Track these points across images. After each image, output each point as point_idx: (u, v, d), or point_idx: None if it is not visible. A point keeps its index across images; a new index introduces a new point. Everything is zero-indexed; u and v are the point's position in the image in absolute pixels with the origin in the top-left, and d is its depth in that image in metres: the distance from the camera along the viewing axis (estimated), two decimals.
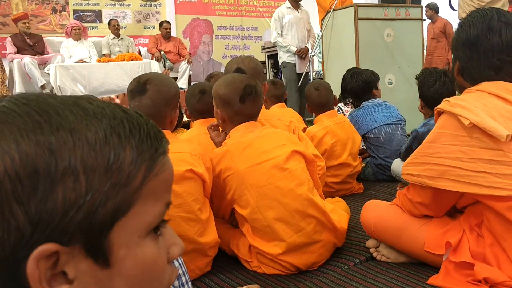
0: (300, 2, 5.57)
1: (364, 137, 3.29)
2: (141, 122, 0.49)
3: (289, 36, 5.56)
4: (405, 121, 3.38)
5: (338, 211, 2.01)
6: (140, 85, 1.78)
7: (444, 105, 1.54)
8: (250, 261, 1.90)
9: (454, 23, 7.70)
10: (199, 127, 2.49)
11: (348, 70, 3.60)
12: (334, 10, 5.00)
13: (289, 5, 5.58)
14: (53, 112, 0.44)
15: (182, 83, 6.94)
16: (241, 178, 1.82)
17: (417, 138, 2.66)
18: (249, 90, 1.85)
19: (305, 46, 5.64)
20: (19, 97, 0.46)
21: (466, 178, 1.49)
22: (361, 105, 3.39)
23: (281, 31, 5.57)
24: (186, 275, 1.25)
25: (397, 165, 2.89)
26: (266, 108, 3.20)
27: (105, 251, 0.45)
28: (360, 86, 3.37)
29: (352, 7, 4.74)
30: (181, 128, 3.02)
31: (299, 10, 5.62)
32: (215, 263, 1.94)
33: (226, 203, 1.96)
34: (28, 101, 0.45)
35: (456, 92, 1.72)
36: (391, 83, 4.96)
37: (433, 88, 2.64)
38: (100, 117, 0.46)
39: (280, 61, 5.77)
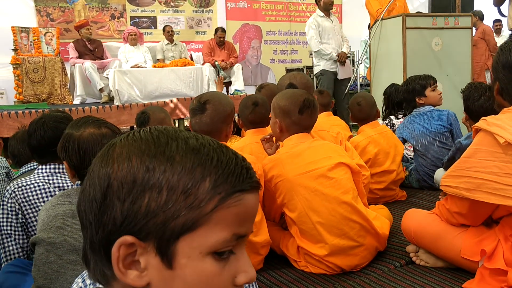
0: (331, 11, 5.75)
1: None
2: (232, 162, 0.60)
3: (327, 43, 5.68)
4: (450, 130, 3.38)
5: (380, 218, 2.16)
6: (201, 104, 2.03)
7: (481, 123, 1.67)
8: (298, 261, 2.09)
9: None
10: (251, 136, 2.70)
11: (390, 86, 3.69)
12: (382, 19, 5.10)
13: (321, 14, 5.73)
14: (164, 142, 0.59)
15: (239, 86, 7.18)
16: (291, 184, 2.01)
17: (460, 150, 2.75)
18: (307, 103, 2.05)
19: (343, 51, 5.75)
20: (157, 128, 0.63)
21: (501, 192, 1.62)
22: (412, 112, 3.48)
23: (320, 39, 5.69)
24: None
25: (439, 174, 2.99)
26: None
27: (170, 255, 0.57)
28: (401, 98, 3.48)
29: (401, 17, 4.83)
30: (235, 136, 3.22)
31: (331, 18, 5.78)
32: (267, 262, 2.14)
33: (276, 207, 2.15)
34: (156, 131, 0.62)
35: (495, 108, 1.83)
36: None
37: (478, 103, 2.73)
38: (196, 152, 0.59)
39: (316, 69, 5.83)
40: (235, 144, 2.90)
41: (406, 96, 3.47)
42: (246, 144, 2.68)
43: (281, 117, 2.12)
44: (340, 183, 1.99)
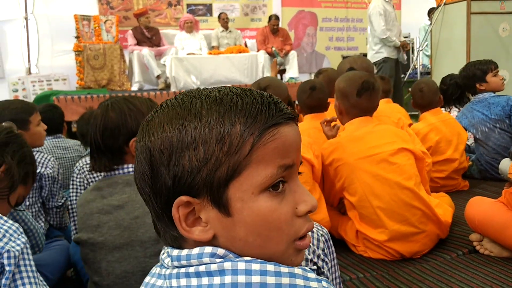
0: None
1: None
2: (258, 100, 0.61)
3: (391, 30, 5.52)
4: (510, 116, 3.23)
5: (443, 206, 2.10)
6: (261, 89, 2.02)
7: None
8: (357, 246, 2.07)
9: None
10: (310, 121, 2.69)
11: (449, 77, 3.56)
12: (445, 4, 4.91)
13: None
14: (188, 102, 0.62)
15: (293, 73, 7.15)
16: (351, 168, 1.98)
17: None
18: (366, 86, 2.01)
19: (404, 40, 5.61)
20: (181, 93, 0.66)
21: None
22: (471, 100, 3.36)
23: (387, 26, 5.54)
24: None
25: (505, 164, 2.87)
26: None
27: (225, 203, 0.60)
28: (458, 87, 3.35)
29: (465, 1, 4.63)
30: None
31: (392, 3, 5.60)
32: None
33: (335, 191, 2.13)
34: (180, 96, 0.65)
35: None
36: (505, 80, 4.77)
37: None
38: (220, 101, 0.61)
39: (378, 56, 5.60)
40: None
41: (466, 82, 3.34)
42: (304, 129, 2.67)
43: (341, 100, 2.10)
44: (402, 169, 1.95)
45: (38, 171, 2.11)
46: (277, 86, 2.10)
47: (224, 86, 0.66)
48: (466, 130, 3.26)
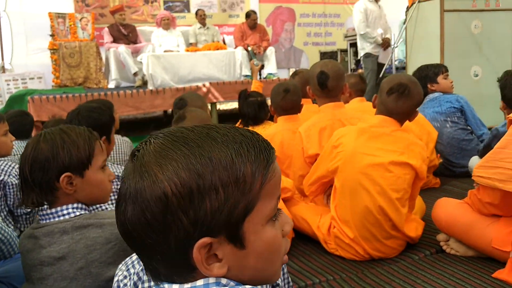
0: None
1: None
2: (254, 140, 0.66)
3: (374, 28, 5.82)
4: (461, 110, 3.35)
5: (416, 220, 2.14)
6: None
7: None
8: (328, 243, 2.13)
9: None
10: (283, 122, 2.73)
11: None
12: (419, 1, 4.97)
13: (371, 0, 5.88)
14: (195, 145, 0.63)
15: (272, 69, 7.18)
16: (351, 158, 2.03)
17: (497, 137, 2.68)
18: (397, 87, 2.04)
19: (387, 37, 5.80)
20: (168, 134, 0.66)
21: None
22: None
23: (367, 23, 5.84)
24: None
25: (474, 162, 2.93)
26: (346, 102, 3.37)
27: (241, 238, 0.63)
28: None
29: None
30: (268, 121, 3.25)
31: (378, 4, 5.96)
32: (296, 245, 2.16)
33: (321, 175, 2.18)
34: (175, 137, 0.65)
35: None
36: (477, 75, 4.87)
37: None
38: (226, 143, 0.63)
39: (361, 52, 6.00)
40: (267, 130, 2.92)
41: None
42: (278, 131, 2.71)
43: (378, 93, 2.15)
44: (396, 180, 1.97)
45: (1, 179, 2.10)
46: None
47: (215, 126, 0.68)
48: None
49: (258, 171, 0.64)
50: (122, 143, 2.93)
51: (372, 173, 1.98)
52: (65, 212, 1.29)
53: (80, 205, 1.31)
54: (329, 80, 2.49)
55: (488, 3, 4.84)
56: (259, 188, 0.64)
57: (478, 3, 4.78)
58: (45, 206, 1.31)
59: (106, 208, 1.84)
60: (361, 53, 6.04)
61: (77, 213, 1.29)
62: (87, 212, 1.32)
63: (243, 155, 0.64)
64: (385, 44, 5.85)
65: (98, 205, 1.74)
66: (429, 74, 3.44)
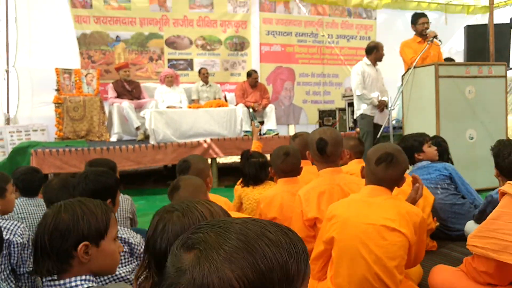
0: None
1: None
2: (296, 241, 0.74)
3: (370, 90, 6.02)
4: (450, 177, 3.44)
5: (412, 287, 2.17)
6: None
7: (507, 187, 1.70)
8: None
9: None
10: (283, 185, 2.80)
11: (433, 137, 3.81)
12: (415, 67, 5.16)
13: (369, 62, 6.15)
14: (256, 245, 0.70)
15: (271, 125, 7.35)
16: (346, 227, 2.08)
17: (492, 203, 2.76)
18: (385, 156, 2.14)
19: (383, 99, 6.03)
20: (215, 226, 0.74)
21: None
22: (410, 170, 3.56)
23: (364, 85, 6.04)
24: None
25: (469, 227, 2.98)
26: (345, 163, 3.45)
27: None
28: None
29: (433, 66, 4.88)
30: (269, 181, 3.30)
31: (376, 68, 6.19)
32: None
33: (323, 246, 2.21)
34: (235, 233, 0.71)
35: None
36: (472, 138, 5.00)
37: (508, 160, 2.73)
38: (279, 244, 0.71)
39: (358, 112, 6.17)
40: (267, 191, 2.97)
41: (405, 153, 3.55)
42: (278, 193, 2.78)
43: (365, 163, 2.24)
44: (391, 248, 2.01)
45: (6, 237, 2.13)
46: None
47: (264, 223, 0.75)
48: None
49: (302, 269, 0.73)
50: (123, 201, 2.97)
51: (368, 241, 2.02)
52: (73, 284, 1.34)
53: (88, 277, 1.36)
54: (328, 147, 2.58)
55: (481, 70, 5.04)
56: (301, 282, 0.73)
57: (471, 70, 4.98)
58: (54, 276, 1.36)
59: (113, 280, 1.88)
60: (357, 114, 6.21)
61: (85, 286, 1.34)
62: (94, 284, 1.37)
63: (293, 255, 0.72)
64: (381, 106, 6.01)
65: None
66: (415, 144, 3.56)
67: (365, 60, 6.18)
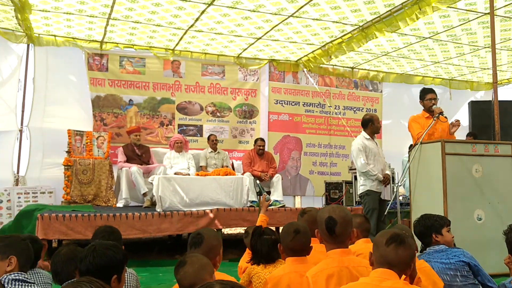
0: None
1: None
2: None
3: (373, 165, 5.90)
4: (469, 264, 3.35)
5: None
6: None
7: None
8: None
9: None
10: (291, 264, 2.76)
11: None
12: (421, 143, 5.21)
13: (367, 136, 6.05)
14: None
15: (278, 196, 7.36)
16: None
17: None
18: (395, 237, 2.14)
19: (387, 173, 5.98)
20: None
21: None
22: (425, 251, 3.49)
23: (367, 160, 5.91)
24: None
25: None
26: (352, 243, 3.42)
27: None
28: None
29: (440, 142, 4.93)
30: (280, 260, 3.23)
31: (375, 141, 6.11)
32: None
33: None
34: None
35: None
36: (480, 219, 4.93)
37: None
38: None
39: (362, 189, 5.95)
40: (275, 271, 2.93)
41: (423, 231, 3.50)
42: (286, 273, 2.74)
43: (373, 249, 2.23)
44: None
45: None
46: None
47: None
48: None
49: None
50: (129, 277, 2.93)
51: None
52: None
53: None
54: (337, 226, 2.58)
55: (487, 148, 5.08)
56: None
57: (478, 148, 5.02)
58: None
59: None
60: (360, 190, 5.98)
61: None
62: None
63: None
64: (386, 180, 5.90)
65: None
66: (435, 225, 3.48)
67: (363, 134, 6.08)
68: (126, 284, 2.84)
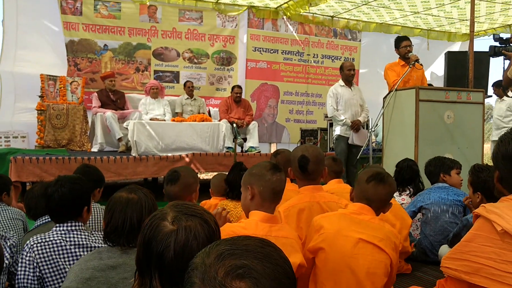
0: (352, 81, 6.31)
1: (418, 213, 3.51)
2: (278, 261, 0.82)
3: (343, 111, 6.12)
4: (464, 207, 3.47)
5: None
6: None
7: (481, 210, 1.76)
8: None
9: None
10: None
11: (404, 160, 3.87)
12: (396, 90, 5.26)
13: (342, 84, 6.25)
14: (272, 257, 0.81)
15: (253, 143, 7.41)
16: (333, 238, 2.14)
17: (467, 227, 2.82)
18: (376, 175, 2.23)
19: (358, 119, 6.13)
20: (250, 252, 0.80)
21: (498, 277, 1.68)
22: (430, 187, 3.63)
23: (337, 106, 6.14)
24: None
25: (444, 250, 3.04)
26: (324, 183, 3.50)
27: None
28: (411, 170, 3.64)
29: (414, 89, 4.99)
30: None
31: (351, 88, 6.26)
32: None
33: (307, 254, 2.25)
34: (266, 258, 0.80)
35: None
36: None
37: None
38: (268, 259, 0.80)
39: (333, 133, 6.28)
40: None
41: (432, 170, 3.67)
42: None
43: (355, 184, 2.32)
44: (378, 265, 2.07)
45: None
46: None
47: (265, 242, 0.85)
48: (420, 208, 3.50)
49: None
50: (97, 210, 2.95)
51: (358, 255, 2.07)
52: None
53: None
54: (310, 164, 2.63)
55: (460, 95, 5.17)
56: None
57: (450, 95, 5.10)
58: None
59: None
60: (333, 135, 6.32)
61: None
62: None
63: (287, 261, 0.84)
64: (355, 126, 6.05)
65: None
66: (446, 163, 3.67)
67: (340, 81, 6.30)
68: (95, 216, 2.87)
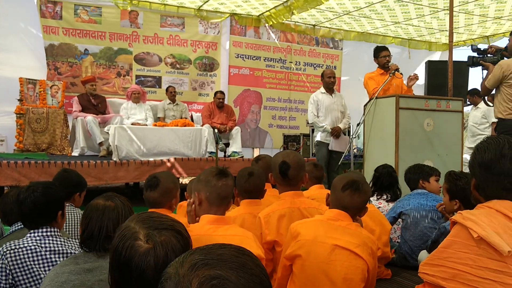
0: (334, 88, 6.48)
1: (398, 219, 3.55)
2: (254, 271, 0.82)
3: (324, 117, 6.27)
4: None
5: None
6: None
7: (457, 217, 1.79)
8: None
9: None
10: (245, 206, 2.83)
11: (384, 166, 3.91)
12: (376, 98, 5.32)
13: (323, 91, 6.41)
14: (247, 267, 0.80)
15: (236, 148, 7.42)
16: (310, 245, 2.14)
17: (444, 234, 2.84)
18: (351, 183, 2.22)
19: (338, 126, 6.26)
20: (225, 261, 0.79)
21: (474, 283, 1.70)
22: (409, 193, 3.68)
23: (317, 113, 6.29)
24: None
25: (423, 256, 3.07)
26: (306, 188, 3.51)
27: None
28: (389, 176, 3.69)
29: (394, 97, 5.05)
30: (233, 205, 3.29)
31: (332, 95, 6.40)
32: None
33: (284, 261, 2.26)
34: (242, 267, 0.80)
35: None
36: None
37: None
38: (243, 269, 0.79)
39: (315, 139, 6.43)
40: (229, 212, 2.98)
41: (411, 177, 3.72)
42: (240, 214, 2.80)
43: (331, 191, 2.31)
44: (354, 271, 2.08)
45: None
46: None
47: (241, 250, 0.85)
48: (400, 217, 3.53)
49: None
50: (74, 214, 2.91)
51: (335, 262, 2.09)
52: None
53: None
54: (290, 170, 2.65)
55: (439, 104, 5.24)
56: None
57: (430, 103, 5.18)
58: None
59: None
60: (314, 141, 6.46)
61: None
62: None
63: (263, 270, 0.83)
64: (334, 132, 6.18)
65: None
66: (425, 170, 3.73)
67: (321, 89, 6.45)
68: (72, 220, 2.83)
